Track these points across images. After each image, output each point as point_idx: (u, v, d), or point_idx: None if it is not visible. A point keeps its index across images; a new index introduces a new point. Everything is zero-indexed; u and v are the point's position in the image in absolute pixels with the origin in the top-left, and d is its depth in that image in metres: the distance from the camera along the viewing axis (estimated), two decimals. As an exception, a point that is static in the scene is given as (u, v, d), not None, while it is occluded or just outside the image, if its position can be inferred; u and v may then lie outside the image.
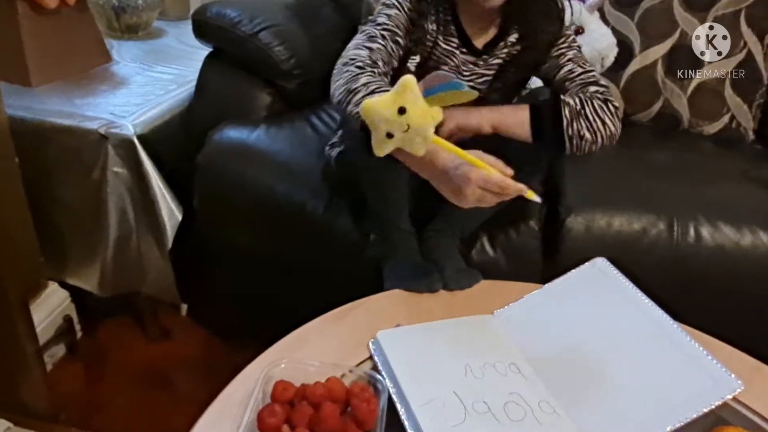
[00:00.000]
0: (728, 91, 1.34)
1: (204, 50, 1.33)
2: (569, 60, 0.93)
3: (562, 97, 0.88)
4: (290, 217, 1.05)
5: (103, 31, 1.53)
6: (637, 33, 1.34)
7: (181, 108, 1.32)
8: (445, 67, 0.94)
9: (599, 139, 0.87)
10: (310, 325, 0.79)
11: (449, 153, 0.74)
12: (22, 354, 1.12)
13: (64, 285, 1.30)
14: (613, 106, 0.89)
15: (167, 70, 1.46)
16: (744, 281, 1.01)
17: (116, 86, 1.36)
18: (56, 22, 1.31)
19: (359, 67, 0.82)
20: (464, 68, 0.95)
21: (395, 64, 0.90)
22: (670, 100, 1.36)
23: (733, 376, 0.68)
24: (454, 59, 0.94)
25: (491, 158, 0.74)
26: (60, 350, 1.28)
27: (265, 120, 1.23)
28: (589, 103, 0.87)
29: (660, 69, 1.34)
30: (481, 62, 0.95)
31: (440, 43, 0.92)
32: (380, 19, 0.89)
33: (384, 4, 0.91)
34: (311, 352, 0.74)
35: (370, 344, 0.75)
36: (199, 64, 1.31)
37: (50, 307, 1.25)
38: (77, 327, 1.32)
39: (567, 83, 0.93)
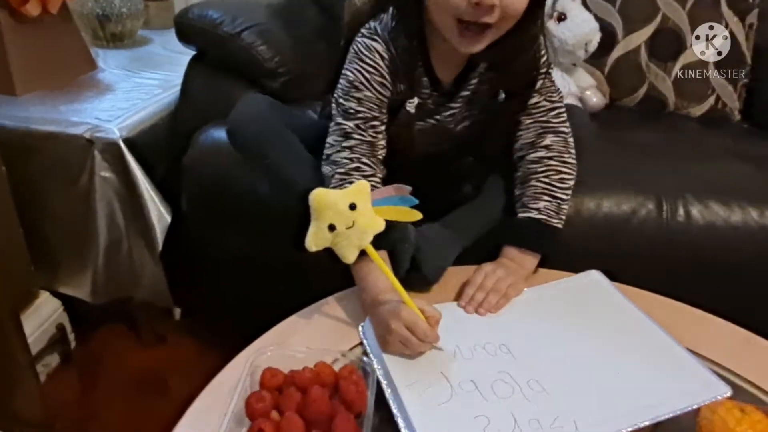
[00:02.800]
0: (712, 73, 1.35)
1: (190, 55, 1.32)
2: (536, 91, 0.88)
3: (538, 217, 0.87)
4: (276, 216, 1.04)
5: (88, 41, 1.54)
6: (619, 18, 1.34)
7: (167, 111, 1.32)
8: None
9: (569, 195, 0.90)
10: (299, 315, 0.79)
11: (385, 282, 0.74)
12: (15, 365, 1.11)
13: (55, 294, 1.29)
14: (569, 159, 0.90)
15: (153, 76, 1.46)
16: (734, 257, 1.00)
17: (102, 92, 1.36)
18: (40, 31, 1.31)
19: (341, 175, 0.82)
20: (432, 106, 0.90)
21: (382, 141, 0.86)
22: (654, 83, 1.36)
23: (721, 381, 0.67)
24: (427, 104, 0.89)
25: (425, 305, 0.71)
26: (54, 360, 1.28)
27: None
28: (555, 184, 0.88)
29: (643, 53, 1.35)
30: (451, 99, 0.90)
31: (410, 97, 0.87)
32: (351, 107, 0.83)
33: (350, 82, 0.84)
34: (301, 340, 0.73)
35: (360, 328, 0.75)
36: (184, 69, 1.31)
37: (42, 316, 1.24)
38: (70, 336, 1.31)
39: (526, 119, 0.90)
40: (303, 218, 0.72)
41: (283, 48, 1.28)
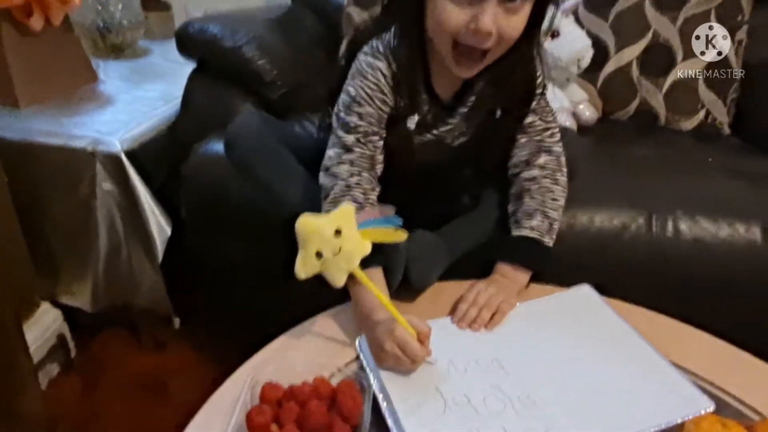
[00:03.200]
0: (702, 87, 1.37)
1: (190, 66, 1.34)
2: (531, 111, 0.91)
3: (531, 235, 0.89)
4: (274, 225, 1.06)
5: (89, 52, 1.56)
6: (611, 34, 1.37)
7: (168, 124, 1.34)
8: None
9: (561, 211, 0.93)
10: (298, 329, 0.81)
11: (376, 299, 0.75)
12: (18, 369, 1.12)
13: (55, 304, 1.31)
14: (561, 179, 0.92)
15: (153, 88, 1.48)
16: (722, 272, 1.02)
17: (103, 104, 1.37)
18: (42, 43, 1.33)
19: (343, 188, 0.83)
20: (431, 121, 0.91)
21: (380, 156, 0.87)
22: (646, 98, 1.39)
23: (705, 396, 0.69)
24: (426, 119, 0.90)
25: (415, 320, 0.73)
26: (54, 369, 1.29)
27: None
28: (548, 203, 0.90)
29: (635, 69, 1.37)
30: (450, 114, 0.92)
31: (410, 113, 0.88)
32: (351, 121, 0.84)
33: (351, 98, 0.84)
34: (299, 355, 0.75)
35: (357, 343, 0.77)
36: (185, 81, 1.32)
37: (43, 326, 1.26)
38: (71, 345, 1.33)
39: (521, 137, 0.93)
40: (289, 246, 0.73)
41: (282, 60, 1.30)
